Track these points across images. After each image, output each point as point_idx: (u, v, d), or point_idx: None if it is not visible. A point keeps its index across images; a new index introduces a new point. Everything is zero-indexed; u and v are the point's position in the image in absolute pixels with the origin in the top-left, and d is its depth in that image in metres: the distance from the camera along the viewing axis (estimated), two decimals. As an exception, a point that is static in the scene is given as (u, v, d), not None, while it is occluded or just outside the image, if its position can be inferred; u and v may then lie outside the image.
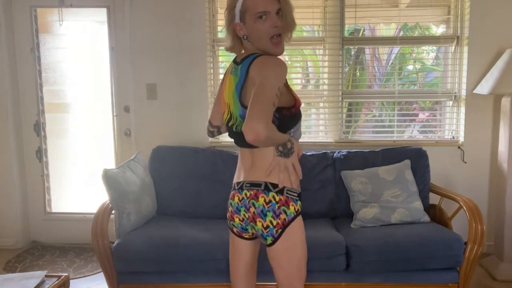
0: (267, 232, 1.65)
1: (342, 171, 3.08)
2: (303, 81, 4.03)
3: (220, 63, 3.70)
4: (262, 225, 1.64)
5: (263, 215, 1.63)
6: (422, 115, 4.57)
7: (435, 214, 2.96)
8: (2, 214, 3.71)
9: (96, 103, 3.75)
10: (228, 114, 1.72)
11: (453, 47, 3.47)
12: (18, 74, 3.69)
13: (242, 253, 1.84)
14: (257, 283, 2.67)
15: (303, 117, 1.93)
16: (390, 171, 2.98)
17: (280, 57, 1.63)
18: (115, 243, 2.64)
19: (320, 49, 3.68)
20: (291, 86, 1.75)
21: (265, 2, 1.57)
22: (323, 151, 3.24)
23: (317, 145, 3.51)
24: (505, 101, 3.11)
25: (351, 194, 3.00)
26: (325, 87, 3.59)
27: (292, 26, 1.67)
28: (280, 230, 1.63)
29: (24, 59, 3.66)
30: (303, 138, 3.73)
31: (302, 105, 2.42)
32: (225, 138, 3.66)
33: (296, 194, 1.67)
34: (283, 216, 1.63)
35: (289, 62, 4.01)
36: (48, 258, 3.50)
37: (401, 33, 4.37)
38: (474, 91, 3.29)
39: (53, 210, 3.87)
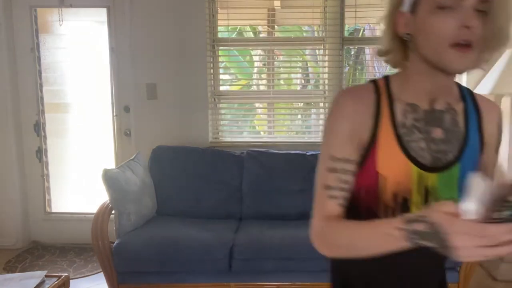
0: None
1: (342, 171, 3.07)
2: (303, 81, 4.03)
3: (220, 63, 3.70)
4: None
5: None
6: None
7: (435, 214, 2.95)
8: (2, 214, 3.71)
9: (96, 103, 3.75)
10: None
11: (453, 47, 3.46)
12: (18, 74, 3.68)
13: None
14: (257, 283, 2.68)
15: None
16: (390, 171, 2.97)
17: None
18: (115, 243, 2.64)
19: (320, 49, 3.68)
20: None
21: None
22: (323, 151, 3.23)
23: (317, 145, 3.51)
24: (505, 101, 3.11)
25: (351, 194, 3.00)
26: (325, 87, 3.59)
27: (502, 37, 0.88)
28: None
29: (24, 59, 3.66)
30: (303, 138, 3.74)
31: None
32: (225, 138, 3.66)
33: None
34: None
35: (290, 63, 4.01)
36: (48, 258, 3.49)
37: (401, 33, 4.37)
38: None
39: (53, 210, 3.86)
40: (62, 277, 2.23)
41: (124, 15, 3.48)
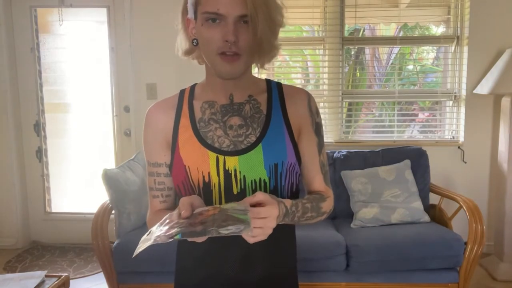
0: None
1: (342, 171, 3.08)
2: (303, 81, 4.03)
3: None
4: None
5: None
6: (422, 115, 4.57)
7: (435, 214, 2.96)
8: (2, 214, 3.71)
9: (96, 103, 3.75)
10: None
11: (453, 47, 3.47)
12: (18, 74, 3.69)
13: None
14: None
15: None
16: (390, 171, 2.98)
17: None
18: (115, 243, 2.64)
19: (320, 49, 3.68)
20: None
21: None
22: (323, 151, 3.23)
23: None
24: (505, 101, 3.11)
25: (351, 194, 3.00)
26: (325, 87, 3.59)
27: (267, 48, 1.04)
28: None
29: (24, 59, 3.66)
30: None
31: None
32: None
33: None
34: None
35: (290, 62, 4.01)
36: (48, 258, 3.49)
37: (401, 33, 4.37)
38: (474, 91, 3.28)
39: (53, 210, 3.86)
40: (62, 277, 2.23)
41: (124, 15, 3.48)
